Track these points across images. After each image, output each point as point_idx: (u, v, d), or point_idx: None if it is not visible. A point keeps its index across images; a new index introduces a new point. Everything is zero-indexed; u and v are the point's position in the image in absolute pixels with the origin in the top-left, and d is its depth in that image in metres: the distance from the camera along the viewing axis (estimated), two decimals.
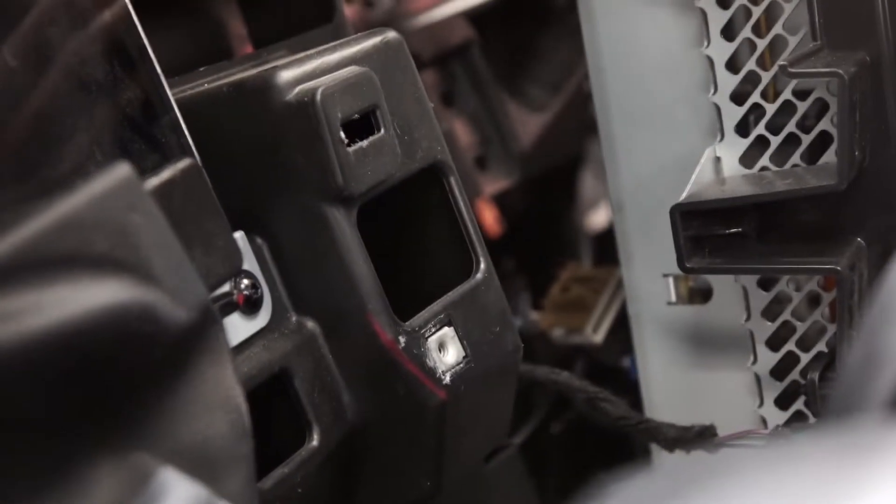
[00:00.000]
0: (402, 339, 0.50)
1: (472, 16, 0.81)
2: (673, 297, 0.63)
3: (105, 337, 0.38)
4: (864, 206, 0.53)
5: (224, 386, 0.42)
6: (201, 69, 0.55)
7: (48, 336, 0.36)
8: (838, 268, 0.51)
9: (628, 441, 0.72)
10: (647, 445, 0.67)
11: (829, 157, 0.54)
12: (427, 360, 0.51)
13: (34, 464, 0.37)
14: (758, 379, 0.60)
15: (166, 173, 0.43)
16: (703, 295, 0.63)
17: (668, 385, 0.64)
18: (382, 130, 0.50)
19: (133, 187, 0.40)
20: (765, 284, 0.58)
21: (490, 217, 0.86)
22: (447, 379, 0.51)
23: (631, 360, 0.67)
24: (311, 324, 0.51)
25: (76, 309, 0.37)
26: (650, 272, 0.63)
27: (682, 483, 0.29)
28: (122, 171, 0.40)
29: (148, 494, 0.39)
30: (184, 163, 0.44)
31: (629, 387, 0.69)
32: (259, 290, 0.49)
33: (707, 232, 0.54)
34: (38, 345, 0.35)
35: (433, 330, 0.52)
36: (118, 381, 0.39)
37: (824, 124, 0.54)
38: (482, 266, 0.55)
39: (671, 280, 0.62)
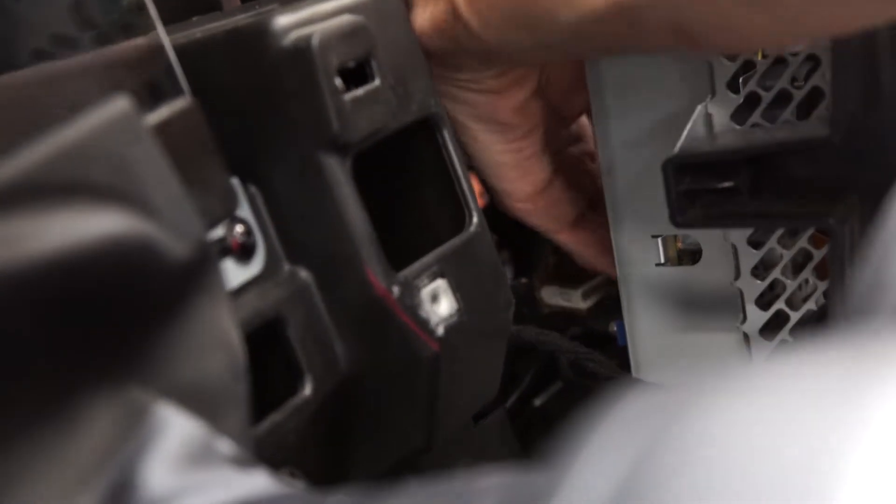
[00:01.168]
0: (395, 290, 0.50)
1: None
2: (662, 259, 0.63)
3: (103, 267, 0.37)
4: (856, 161, 0.53)
5: (220, 325, 0.42)
6: (193, 19, 0.54)
7: (46, 263, 0.35)
8: (831, 221, 0.51)
9: None
10: None
11: (821, 113, 0.54)
12: (420, 312, 0.51)
13: (30, 396, 0.36)
14: (747, 338, 0.60)
15: (163, 112, 0.43)
16: (691, 256, 0.63)
17: (656, 346, 0.64)
18: (378, 80, 0.50)
19: (132, 121, 0.40)
20: (755, 243, 0.58)
21: (475, 188, 0.86)
22: (440, 331, 0.51)
23: (618, 326, 0.67)
24: (304, 273, 0.50)
25: (75, 237, 0.36)
26: (639, 234, 0.63)
27: (688, 397, 0.29)
28: (120, 104, 0.40)
29: (146, 429, 0.38)
30: (180, 102, 0.44)
31: (617, 353, 0.69)
32: (253, 238, 0.49)
33: (699, 186, 0.54)
34: (35, 271, 0.35)
35: (426, 281, 0.51)
36: (114, 315, 0.38)
37: (816, 80, 0.54)
38: (475, 220, 0.55)
39: (660, 241, 0.62)
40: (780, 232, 0.57)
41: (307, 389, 0.49)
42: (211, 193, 0.44)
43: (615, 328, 0.69)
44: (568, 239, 0.67)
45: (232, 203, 0.45)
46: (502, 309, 0.56)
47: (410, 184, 0.56)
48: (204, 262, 0.41)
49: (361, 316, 0.50)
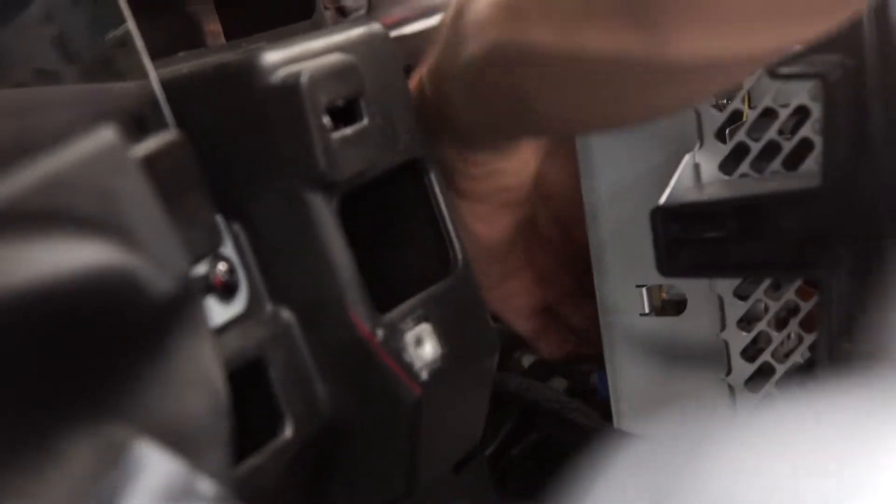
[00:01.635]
0: (379, 332, 0.49)
1: None
2: (646, 309, 0.62)
3: (86, 300, 0.36)
4: (846, 212, 0.52)
5: (203, 363, 0.41)
6: (180, 54, 0.54)
7: (27, 293, 0.34)
8: (821, 271, 0.51)
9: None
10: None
11: (810, 165, 0.54)
12: (404, 355, 0.50)
13: (4, 430, 0.35)
14: (731, 390, 0.60)
15: (151, 144, 0.42)
16: (675, 307, 0.62)
17: (639, 397, 0.63)
18: (366, 120, 0.50)
19: (118, 151, 0.39)
20: (741, 294, 0.58)
21: None
22: (424, 375, 0.50)
23: (599, 378, 0.67)
24: (286, 314, 0.49)
25: (57, 268, 0.35)
26: (623, 283, 0.62)
27: (687, 448, 0.28)
28: (107, 134, 0.39)
29: (125, 467, 0.37)
30: (168, 135, 0.43)
31: (597, 405, 0.68)
32: (235, 276, 0.48)
33: (687, 235, 0.54)
34: (15, 302, 0.34)
35: (411, 325, 0.51)
36: (95, 349, 0.37)
37: (806, 131, 0.54)
38: (460, 263, 0.54)
39: (645, 291, 0.62)
40: (766, 284, 0.57)
41: (287, 432, 0.48)
42: (196, 228, 0.43)
43: (596, 379, 0.69)
44: (524, 327, 0.68)
45: (217, 239, 0.45)
46: (486, 355, 0.55)
47: (395, 225, 0.55)
48: (187, 298, 0.40)
49: (344, 358, 0.49)
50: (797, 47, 0.51)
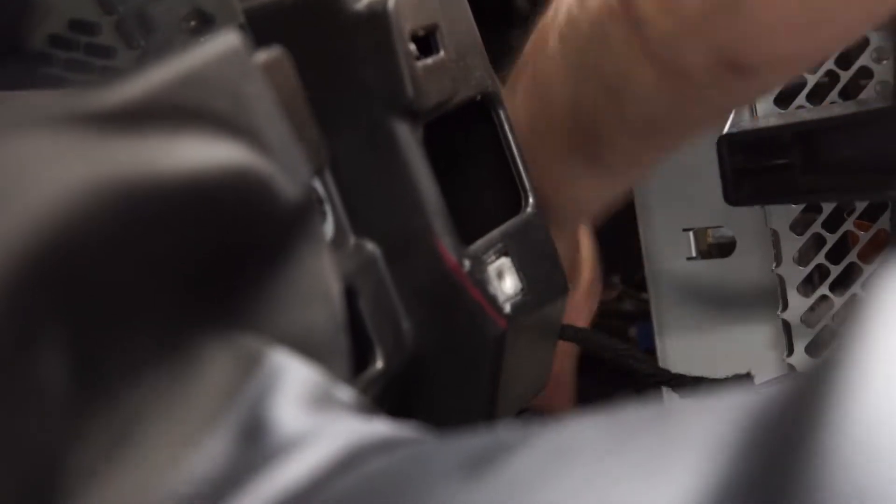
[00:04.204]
0: (466, 263, 0.49)
1: None
2: (693, 252, 0.62)
3: (226, 198, 0.36)
4: None
5: (322, 276, 0.41)
6: None
7: (177, 185, 0.34)
8: (889, 194, 0.51)
9: None
10: None
11: (869, 93, 0.55)
12: (489, 288, 0.49)
13: (147, 333, 0.34)
14: (787, 327, 0.60)
15: (261, 56, 0.41)
16: (720, 250, 0.62)
17: (687, 342, 0.64)
18: (443, 52, 0.49)
19: (243, 56, 0.38)
20: (797, 228, 0.58)
21: None
22: (507, 308, 0.50)
23: (639, 329, 0.67)
24: (370, 246, 0.49)
25: (203, 162, 0.35)
26: (669, 227, 0.63)
27: None
28: (231, 38, 0.38)
29: (265, 372, 0.36)
30: (275, 51, 0.42)
31: None
32: (323, 206, 0.48)
33: (752, 164, 0.54)
34: (167, 192, 0.33)
35: (493, 258, 0.50)
36: (231, 254, 0.37)
37: (864, 60, 0.54)
38: (531, 201, 0.54)
39: (692, 234, 0.62)
40: (823, 216, 0.57)
41: (379, 363, 0.47)
42: (305, 144, 0.42)
43: (634, 332, 0.69)
44: None
45: (324, 156, 0.44)
46: (559, 294, 0.55)
47: (464, 163, 0.54)
48: (310, 209, 0.40)
49: (430, 290, 0.49)
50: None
